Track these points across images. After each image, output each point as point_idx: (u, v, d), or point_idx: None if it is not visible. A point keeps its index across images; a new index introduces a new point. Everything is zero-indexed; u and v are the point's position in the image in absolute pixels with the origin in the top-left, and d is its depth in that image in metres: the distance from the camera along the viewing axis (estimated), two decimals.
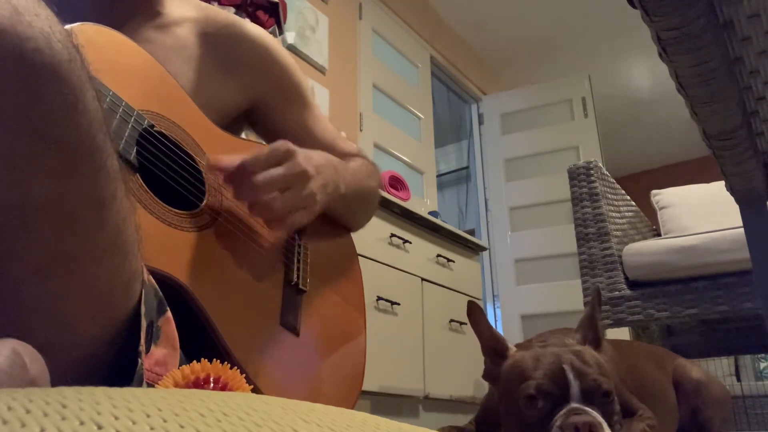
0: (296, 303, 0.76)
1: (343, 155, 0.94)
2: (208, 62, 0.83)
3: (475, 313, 0.96)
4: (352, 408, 0.81)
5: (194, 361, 0.47)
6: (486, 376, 0.94)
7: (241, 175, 0.68)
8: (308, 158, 0.73)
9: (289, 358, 0.72)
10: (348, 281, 0.91)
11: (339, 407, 0.80)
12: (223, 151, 0.76)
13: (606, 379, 0.79)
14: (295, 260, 0.79)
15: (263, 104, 0.90)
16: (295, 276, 0.77)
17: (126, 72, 0.67)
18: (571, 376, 0.79)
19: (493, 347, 0.94)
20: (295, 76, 0.93)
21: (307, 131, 0.93)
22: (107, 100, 0.58)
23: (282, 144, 0.71)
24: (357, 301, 0.90)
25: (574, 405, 0.76)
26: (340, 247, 0.93)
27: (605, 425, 0.74)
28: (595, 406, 0.77)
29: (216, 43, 0.85)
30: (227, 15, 0.89)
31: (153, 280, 0.53)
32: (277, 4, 2.25)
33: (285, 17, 2.41)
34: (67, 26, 0.39)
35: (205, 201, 0.69)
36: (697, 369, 1.17)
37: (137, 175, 0.61)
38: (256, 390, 0.64)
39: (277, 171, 0.69)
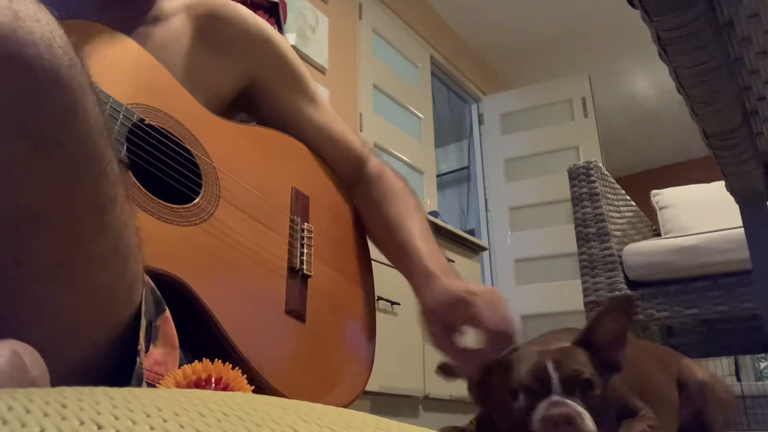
0: (301, 289, 0.75)
1: (358, 160, 0.93)
2: (201, 47, 0.82)
3: None
4: (364, 386, 0.80)
5: (195, 361, 0.47)
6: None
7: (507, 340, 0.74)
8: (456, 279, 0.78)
9: (296, 346, 0.72)
10: (357, 264, 0.89)
11: (348, 393, 0.80)
12: (219, 136, 0.75)
13: (589, 370, 0.79)
14: (298, 245, 0.78)
15: (257, 86, 0.88)
16: (298, 261, 0.76)
17: (114, 66, 0.67)
18: (551, 369, 0.79)
19: None
20: (288, 57, 0.91)
21: (303, 117, 0.90)
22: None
23: (461, 302, 0.74)
24: (367, 283, 0.89)
25: (555, 398, 0.77)
26: (349, 231, 0.91)
27: (586, 416, 0.74)
28: (577, 398, 0.77)
29: (207, 26, 0.84)
30: None
31: (150, 280, 0.53)
32: (277, 4, 2.25)
33: (285, 17, 2.41)
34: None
35: (201, 193, 0.68)
36: (702, 370, 1.17)
37: (128, 172, 0.61)
38: (260, 380, 0.64)
39: (505, 315, 0.75)
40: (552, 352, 0.83)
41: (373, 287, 0.90)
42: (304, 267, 0.77)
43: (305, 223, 0.82)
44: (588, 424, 0.74)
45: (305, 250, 0.79)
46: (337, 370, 0.78)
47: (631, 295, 1.00)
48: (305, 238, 0.80)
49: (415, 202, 0.94)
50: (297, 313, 0.73)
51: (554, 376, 0.78)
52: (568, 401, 0.76)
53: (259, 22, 0.89)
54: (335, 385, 0.76)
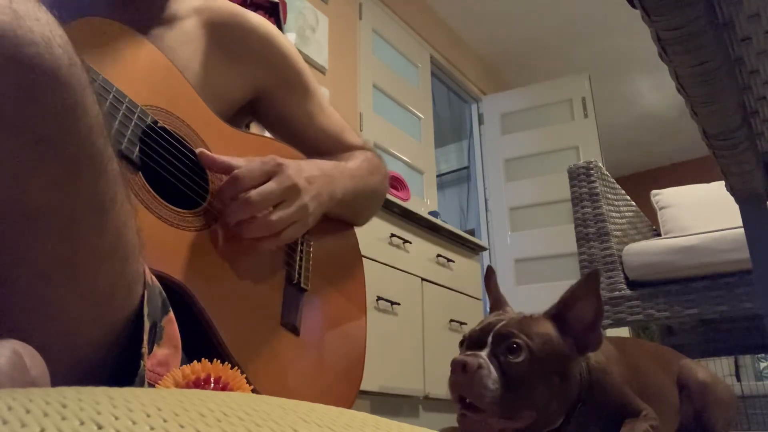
0: (297, 302, 0.76)
1: (349, 147, 0.94)
2: (214, 53, 0.83)
3: (490, 276, 1.02)
4: (352, 404, 0.81)
5: (195, 361, 0.47)
6: None
7: (231, 191, 0.67)
8: (299, 170, 0.73)
9: (289, 359, 0.72)
10: (350, 279, 0.90)
11: (338, 406, 0.80)
12: (227, 145, 0.76)
13: (524, 337, 0.80)
14: (297, 258, 0.78)
15: (266, 94, 0.90)
16: (297, 275, 0.77)
17: (131, 66, 0.67)
18: (495, 329, 0.82)
19: (494, 308, 0.98)
20: (297, 66, 0.93)
21: (311, 121, 0.93)
22: (110, 96, 0.58)
23: (270, 158, 0.71)
24: (358, 298, 0.90)
25: (478, 351, 0.80)
26: (344, 244, 0.93)
27: (488, 372, 0.76)
28: (500, 357, 0.79)
29: (221, 34, 0.85)
30: (230, 5, 0.89)
31: (156, 281, 0.53)
32: (277, 4, 2.24)
33: (285, 17, 2.41)
34: (73, 21, 0.39)
35: (208, 199, 0.69)
36: (703, 370, 1.16)
37: (139, 173, 0.61)
38: (255, 391, 0.64)
39: (269, 186, 0.68)
40: (515, 318, 0.85)
41: (365, 303, 0.91)
42: (302, 281, 0.77)
43: (305, 235, 0.82)
44: (485, 379, 0.76)
45: (304, 264, 0.79)
46: (325, 385, 0.78)
47: (597, 270, 1.01)
48: (304, 252, 0.80)
49: (374, 164, 0.94)
50: (291, 326, 0.73)
51: (491, 334, 0.81)
52: (481, 354, 0.79)
53: (270, 30, 0.90)
54: (322, 401, 0.76)
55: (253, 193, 0.66)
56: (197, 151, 0.69)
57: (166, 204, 0.62)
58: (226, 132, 0.77)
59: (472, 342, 0.83)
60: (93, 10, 0.76)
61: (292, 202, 0.71)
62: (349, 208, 0.89)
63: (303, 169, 0.74)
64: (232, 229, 0.69)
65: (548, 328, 0.84)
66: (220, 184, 0.68)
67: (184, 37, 0.81)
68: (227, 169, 0.69)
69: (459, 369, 0.77)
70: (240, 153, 0.78)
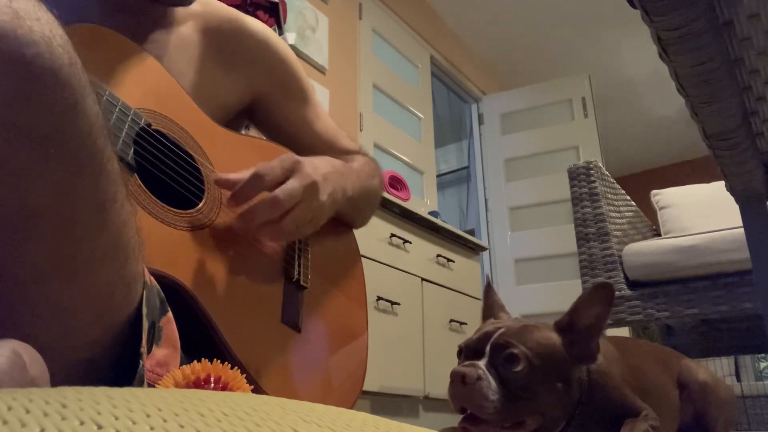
0: (297, 299, 0.76)
1: (345, 152, 0.94)
2: (211, 58, 0.83)
3: (487, 288, 1.05)
4: (355, 401, 0.81)
5: (195, 361, 0.47)
6: None
7: (253, 189, 0.67)
8: (315, 168, 0.73)
9: (291, 355, 0.73)
10: (349, 276, 0.91)
11: (340, 404, 0.80)
12: (221, 146, 0.76)
13: (522, 347, 0.79)
14: (296, 256, 0.79)
15: (264, 99, 0.90)
16: (296, 272, 0.77)
17: (123, 70, 0.67)
18: (493, 338, 0.81)
19: (487, 315, 0.98)
20: (295, 71, 0.93)
21: (308, 127, 0.93)
22: (104, 99, 0.58)
23: (287, 156, 0.71)
24: (359, 296, 0.90)
25: (473, 361, 0.79)
26: (342, 242, 0.93)
27: (488, 382, 0.76)
28: (498, 367, 0.78)
29: (218, 39, 0.85)
30: (228, 9, 0.89)
31: (155, 281, 0.53)
32: (277, 4, 2.25)
33: (285, 17, 2.41)
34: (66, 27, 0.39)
35: (204, 199, 0.69)
36: (703, 371, 1.16)
37: (135, 175, 0.61)
38: (257, 389, 0.64)
39: (292, 184, 0.68)
40: (513, 326, 0.84)
41: (365, 300, 0.91)
42: (301, 278, 0.77)
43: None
44: (485, 390, 0.76)
45: (302, 261, 0.79)
46: (328, 382, 0.78)
47: (611, 283, 1.01)
48: (302, 250, 0.80)
49: (373, 167, 0.95)
50: (293, 322, 0.74)
51: (489, 344, 0.80)
52: (480, 365, 0.78)
53: (268, 35, 0.90)
54: (326, 397, 0.76)
55: (280, 192, 0.67)
56: (214, 180, 0.69)
57: (163, 205, 0.63)
58: (220, 133, 0.78)
59: (470, 352, 0.83)
60: (91, 14, 0.76)
61: (311, 201, 0.71)
62: (355, 208, 0.89)
63: (318, 166, 0.74)
64: (242, 228, 0.69)
65: (549, 337, 0.83)
66: (241, 183, 0.68)
67: (181, 42, 0.81)
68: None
69: (458, 380, 0.76)
70: (234, 154, 0.78)
